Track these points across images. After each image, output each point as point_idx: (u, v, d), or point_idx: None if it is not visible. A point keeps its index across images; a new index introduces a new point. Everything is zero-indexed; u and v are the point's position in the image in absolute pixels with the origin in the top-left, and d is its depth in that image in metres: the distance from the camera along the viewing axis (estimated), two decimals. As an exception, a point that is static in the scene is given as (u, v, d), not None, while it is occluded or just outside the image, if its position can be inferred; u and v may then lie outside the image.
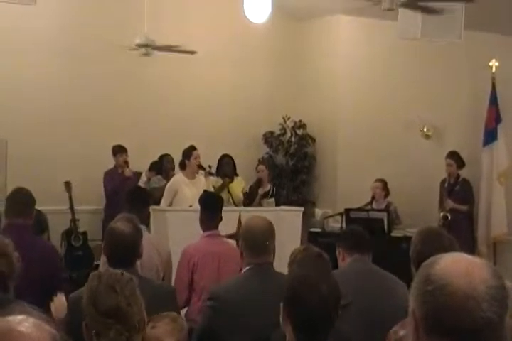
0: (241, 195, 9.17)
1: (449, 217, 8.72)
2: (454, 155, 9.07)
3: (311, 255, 3.45)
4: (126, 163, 9.71)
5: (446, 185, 9.00)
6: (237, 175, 9.50)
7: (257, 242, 3.96)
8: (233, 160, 9.64)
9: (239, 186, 9.29)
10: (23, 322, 1.35)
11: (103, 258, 5.13)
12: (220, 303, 3.83)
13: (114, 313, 2.66)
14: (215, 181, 9.13)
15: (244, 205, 9.10)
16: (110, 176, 9.66)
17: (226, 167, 9.37)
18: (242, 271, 4.04)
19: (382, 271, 4.39)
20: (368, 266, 4.37)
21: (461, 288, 1.52)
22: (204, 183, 8.36)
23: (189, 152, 8.41)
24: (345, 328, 3.39)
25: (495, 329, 1.52)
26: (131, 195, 5.97)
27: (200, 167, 8.46)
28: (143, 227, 5.15)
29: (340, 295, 2.71)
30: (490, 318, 1.51)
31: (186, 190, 7.97)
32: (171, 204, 8.15)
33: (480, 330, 1.51)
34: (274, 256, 4.02)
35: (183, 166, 8.46)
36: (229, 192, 8.97)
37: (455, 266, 1.57)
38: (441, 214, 8.79)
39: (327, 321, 2.61)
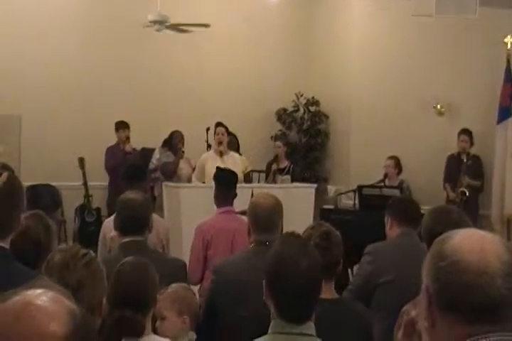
0: (241, 175, 9.09)
1: (467, 193, 8.73)
2: (467, 133, 9.05)
3: (317, 233, 3.43)
4: (127, 138, 9.72)
5: (464, 161, 8.97)
6: (239, 154, 9.43)
7: (262, 219, 3.96)
8: (237, 140, 9.60)
9: (240, 165, 9.21)
10: (41, 296, 1.33)
11: (102, 230, 5.20)
12: (220, 277, 3.88)
13: None
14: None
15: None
16: (112, 152, 9.70)
17: (228, 146, 9.29)
18: (246, 248, 4.07)
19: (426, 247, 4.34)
20: (413, 240, 4.27)
21: (475, 264, 1.52)
22: (237, 160, 8.33)
23: (215, 128, 8.55)
24: (364, 310, 3.41)
25: (509, 305, 1.52)
26: (126, 171, 6.01)
27: (220, 143, 8.39)
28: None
29: (321, 271, 2.68)
30: (504, 294, 1.51)
31: (210, 165, 7.95)
32: (204, 179, 8.14)
33: (494, 306, 1.51)
34: (281, 233, 3.99)
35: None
36: None
37: (468, 242, 1.57)
38: (460, 190, 8.79)
39: (309, 297, 2.59)
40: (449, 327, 1.55)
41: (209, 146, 9.12)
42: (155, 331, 3.16)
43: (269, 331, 2.57)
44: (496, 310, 1.51)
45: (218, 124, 8.65)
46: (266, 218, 3.98)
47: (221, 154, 8.27)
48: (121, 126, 9.73)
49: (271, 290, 2.60)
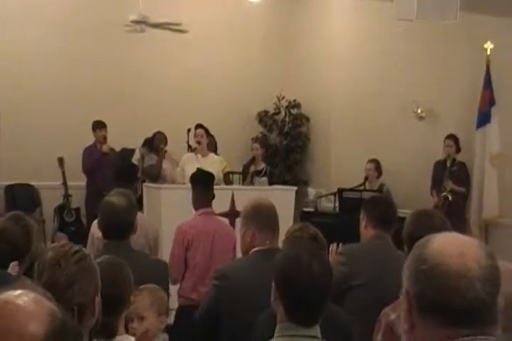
0: (220, 175, 9.07)
1: (450, 198, 8.75)
2: (453, 138, 9.07)
3: (306, 235, 3.45)
4: (104, 138, 9.68)
5: (448, 165, 9.01)
6: (217, 154, 9.40)
7: (271, 219, 4.00)
8: (215, 140, 9.59)
9: (218, 166, 9.18)
10: (22, 296, 1.33)
11: (91, 232, 5.17)
12: (225, 283, 3.85)
13: (51, 287, 2.34)
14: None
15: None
16: (89, 152, 9.64)
17: (208, 147, 9.27)
18: (250, 252, 4.01)
19: (399, 251, 4.24)
20: (387, 245, 4.25)
21: (455, 268, 1.53)
22: (216, 161, 8.33)
23: (194, 130, 8.56)
24: (345, 317, 3.40)
25: (488, 309, 1.53)
26: (117, 171, 6.00)
27: (198, 144, 8.38)
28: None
29: (332, 274, 2.69)
30: (483, 298, 1.52)
31: (189, 166, 7.94)
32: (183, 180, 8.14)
33: (473, 310, 1.52)
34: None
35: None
36: None
37: (449, 246, 1.58)
38: (443, 194, 8.82)
39: (319, 301, 2.60)
40: (428, 329, 1.56)
41: (189, 147, 9.11)
42: (128, 331, 3.13)
43: (277, 334, 2.57)
44: (475, 313, 1.52)
45: (198, 126, 8.65)
46: (272, 216, 4.02)
47: (199, 155, 8.28)
48: (98, 125, 9.67)
49: (281, 292, 2.60)
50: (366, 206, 4.44)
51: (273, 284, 2.63)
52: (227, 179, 9.13)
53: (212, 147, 9.36)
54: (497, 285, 1.56)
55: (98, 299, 2.44)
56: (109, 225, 4.02)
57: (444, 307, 1.53)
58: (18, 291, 1.35)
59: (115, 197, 4.09)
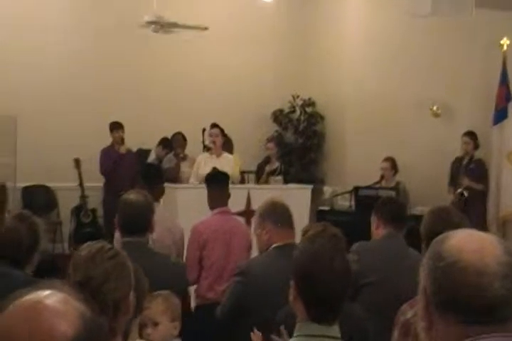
0: (237, 174, 9.07)
1: (465, 194, 8.70)
2: (471, 135, 9.00)
3: (327, 235, 3.45)
4: (122, 139, 9.68)
5: (464, 162, 8.95)
6: (232, 153, 9.41)
7: (286, 215, 4.13)
8: (230, 139, 9.57)
9: (235, 165, 9.19)
10: (51, 296, 1.32)
11: (116, 235, 5.17)
12: (248, 279, 3.90)
13: (86, 283, 2.41)
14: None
15: (242, 184, 9.07)
16: (106, 154, 9.64)
17: (224, 147, 9.27)
18: (270, 249, 4.07)
19: (412, 250, 4.32)
20: (400, 243, 4.30)
21: (473, 265, 1.52)
22: (230, 161, 8.33)
23: (209, 130, 8.55)
24: (362, 313, 3.38)
25: (507, 305, 1.52)
26: (145, 171, 5.99)
27: (214, 144, 8.38)
28: (158, 204, 5.19)
29: (352, 272, 2.67)
30: (502, 295, 1.51)
31: (204, 166, 7.96)
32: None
33: (493, 307, 1.51)
34: None
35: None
36: None
37: (466, 242, 1.56)
38: (458, 190, 8.76)
39: (340, 298, 2.59)
40: (446, 327, 1.54)
41: (205, 147, 9.10)
42: (142, 337, 3.13)
43: (296, 333, 2.54)
44: (494, 310, 1.51)
45: (213, 126, 8.65)
46: (287, 213, 4.15)
47: (215, 155, 8.28)
48: (116, 126, 9.67)
49: (301, 290, 2.57)
50: (377, 207, 4.51)
51: (292, 283, 2.60)
52: (243, 178, 9.15)
53: (229, 147, 9.35)
54: None
55: (132, 296, 2.45)
56: (126, 220, 4.04)
57: (463, 305, 1.51)
58: (47, 291, 1.34)
59: (132, 195, 4.15)
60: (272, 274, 3.77)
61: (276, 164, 9.74)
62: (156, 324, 3.33)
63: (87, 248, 2.58)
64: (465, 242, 1.57)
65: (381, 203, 4.57)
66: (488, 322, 1.51)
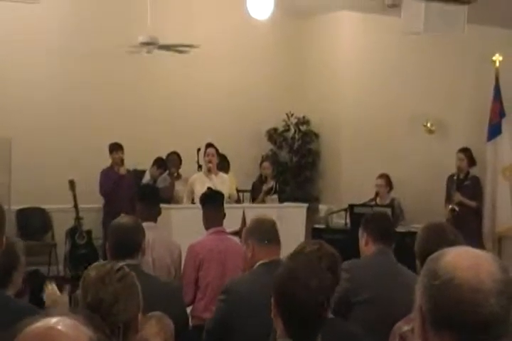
0: (234, 193, 9.08)
1: (457, 210, 8.68)
2: (466, 151, 9.00)
3: (324, 256, 3.43)
4: (121, 161, 9.67)
5: (455, 178, 8.96)
6: (227, 172, 9.42)
7: (271, 233, 4.13)
8: (227, 158, 9.57)
9: (231, 183, 9.22)
10: (61, 322, 1.39)
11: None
12: (231, 297, 3.89)
13: (98, 305, 2.46)
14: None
15: (237, 203, 9.07)
16: (106, 175, 9.63)
17: (220, 167, 9.28)
18: (255, 267, 4.09)
19: (402, 266, 4.29)
20: (390, 260, 4.26)
21: (468, 282, 1.51)
22: (226, 180, 8.32)
23: (205, 149, 8.56)
24: (355, 329, 3.37)
25: (502, 322, 1.51)
26: (141, 192, 5.98)
27: (210, 163, 8.38)
28: (155, 225, 5.18)
29: (330, 290, 2.69)
30: (497, 312, 1.50)
31: (199, 187, 7.95)
32: (193, 202, 8.15)
33: (488, 324, 1.50)
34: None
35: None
36: None
37: (461, 260, 1.56)
38: (450, 206, 8.75)
39: (317, 316, 2.58)
40: None
41: (200, 167, 9.11)
42: None
43: None
44: (489, 327, 1.50)
45: (209, 145, 8.65)
46: (272, 231, 4.15)
47: (210, 174, 8.27)
48: (115, 147, 9.66)
49: (280, 309, 2.58)
50: (365, 223, 4.45)
51: (272, 300, 2.61)
52: (239, 197, 9.15)
53: (225, 166, 9.36)
54: (511, 299, 1.53)
55: (141, 318, 2.50)
56: (116, 244, 4.02)
57: (459, 322, 1.51)
58: (56, 318, 1.41)
59: (122, 219, 4.16)
60: (257, 291, 3.75)
61: (271, 183, 9.74)
62: None
63: (96, 269, 2.62)
64: (460, 259, 1.56)
65: (369, 219, 4.51)
66: (484, 339, 1.51)
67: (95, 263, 2.77)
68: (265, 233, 4.13)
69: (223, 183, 8.13)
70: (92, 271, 2.59)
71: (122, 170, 9.62)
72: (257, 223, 4.23)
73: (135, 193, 6.27)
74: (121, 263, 3.87)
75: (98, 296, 2.47)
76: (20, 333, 1.36)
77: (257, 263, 4.06)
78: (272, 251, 4.06)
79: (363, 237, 4.36)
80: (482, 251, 1.62)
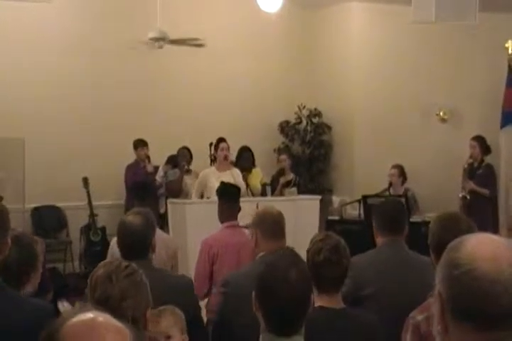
0: (259, 186, 9.14)
1: (468, 198, 8.64)
2: (478, 139, 8.93)
3: (327, 246, 3.41)
4: (147, 157, 9.70)
5: (465, 166, 8.91)
6: (255, 166, 9.45)
7: (271, 225, 4.12)
8: (252, 152, 9.58)
9: (257, 177, 9.25)
10: (99, 314, 1.46)
11: (110, 253, 5.17)
12: (230, 289, 3.92)
13: (105, 302, 2.47)
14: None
15: (263, 196, 9.09)
16: (132, 170, 9.65)
17: (245, 161, 9.31)
18: (256, 258, 4.14)
19: (415, 255, 4.20)
20: (398, 251, 4.15)
21: (488, 273, 1.50)
22: (239, 175, 8.34)
23: (217, 144, 8.51)
24: (369, 318, 3.36)
25: None
26: (136, 190, 6.00)
27: (226, 158, 8.41)
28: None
29: (311, 284, 2.66)
30: None
31: (213, 181, 7.94)
32: (202, 197, 8.15)
33: (507, 316, 1.49)
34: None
35: (215, 159, 8.50)
36: (247, 184, 8.90)
37: (481, 249, 1.54)
38: (460, 195, 8.72)
39: (297, 310, 2.56)
40: (461, 334, 1.53)
41: (213, 161, 9.10)
42: None
43: None
44: (508, 318, 1.49)
45: (221, 140, 8.60)
46: (276, 223, 4.13)
47: (224, 169, 8.27)
48: (140, 144, 9.72)
49: (260, 303, 2.58)
50: (374, 213, 4.41)
51: (253, 293, 2.61)
52: (264, 190, 9.18)
53: (250, 159, 9.37)
54: None
55: (149, 313, 2.51)
56: (125, 245, 3.99)
57: (479, 313, 1.50)
58: (91, 312, 1.47)
59: (131, 217, 4.08)
60: (251, 284, 3.78)
61: (291, 175, 9.75)
62: (168, 337, 3.31)
63: (103, 267, 2.63)
64: (480, 249, 1.55)
65: (376, 209, 4.45)
66: (504, 330, 1.49)
67: (103, 261, 2.78)
68: (269, 227, 4.13)
69: (236, 177, 8.13)
70: (100, 269, 2.60)
71: (149, 168, 9.65)
72: (263, 216, 4.22)
73: (130, 189, 6.29)
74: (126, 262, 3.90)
75: (106, 293, 2.48)
76: (62, 328, 1.39)
77: (258, 255, 4.10)
78: (275, 245, 4.04)
79: (374, 227, 4.30)
80: (502, 239, 1.61)
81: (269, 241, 4.06)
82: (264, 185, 9.33)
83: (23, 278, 3.39)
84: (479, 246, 1.55)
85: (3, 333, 2.48)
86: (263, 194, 9.13)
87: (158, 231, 5.02)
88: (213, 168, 8.43)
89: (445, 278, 1.56)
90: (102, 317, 1.44)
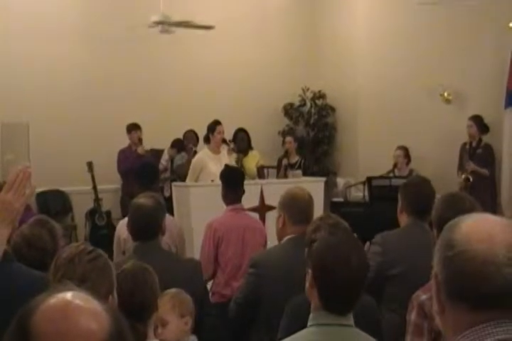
0: (254, 169, 9.12)
1: (471, 179, 8.65)
2: (475, 118, 8.96)
3: (324, 225, 3.41)
4: (140, 140, 9.69)
5: (467, 147, 8.93)
6: (251, 148, 9.44)
7: (301, 209, 4.07)
8: (248, 135, 9.56)
9: (253, 160, 9.23)
10: (76, 296, 1.37)
11: (116, 235, 5.21)
12: (262, 270, 3.92)
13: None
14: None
15: (260, 178, 9.09)
16: (124, 154, 9.68)
17: (240, 143, 9.30)
18: (283, 241, 4.09)
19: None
20: (424, 232, 4.03)
21: (481, 254, 1.50)
22: (227, 158, 8.34)
23: (213, 126, 8.42)
24: (374, 306, 3.39)
25: None
26: (138, 172, 6.01)
27: (224, 141, 8.44)
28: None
29: (369, 267, 2.70)
30: (510, 282, 1.48)
31: (211, 165, 7.96)
32: (197, 180, 8.15)
33: (503, 295, 1.49)
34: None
35: (207, 140, 8.46)
36: (242, 166, 8.86)
37: (476, 230, 1.54)
38: (463, 176, 8.72)
39: (355, 291, 2.61)
40: (457, 314, 1.54)
41: (224, 141, 8.96)
42: (157, 337, 3.14)
43: (311, 323, 2.58)
44: (505, 298, 1.49)
45: (218, 123, 8.53)
46: (306, 208, 4.10)
47: (219, 152, 8.28)
48: (133, 128, 9.72)
49: (318, 282, 2.59)
50: (402, 190, 4.24)
51: (309, 271, 2.62)
52: (261, 173, 9.15)
53: (246, 141, 9.37)
54: None
55: (112, 299, 2.47)
56: (137, 227, 4.04)
57: (471, 293, 1.50)
58: (69, 292, 1.38)
59: (143, 199, 4.13)
60: (284, 265, 3.80)
61: (296, 158, 9.76)
62: (165, 323, 3.32)
63: (68, 249, 2.65)
64: (475, 230, 1.54)
65: (406, 186, 4.27)
66: (498, 310, 1.50)
67: (71, 244, 2.81)
68: (298, 212, 4.06)
69: (230, 160, 8.19)
70: (65, 252, 2.63)
71: (140, 150, 9.65)
72: (293, 199, 4.14)
73: (134, 172, 6.29)
74: (140, 243, 3.92)
75: (66, 275, 2.50)
76: (37, 311, 1.32)
77: (286, 238, 4.05)
78: (303, 228, 3.93)
79: (399, 204, 4.19)
80: (501, 219, 1.60)
81: (297, 225, 4.01)
82: (261, 168, 9.29)
83: (48, 262, 3.46)
84: (474, 227, 1.55)
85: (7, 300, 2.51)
86: (261, 177, 9.11)
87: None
88: (207, 152, 8.38)
89: (440, 258, 1.56)
90: (79, 299, 1.36)
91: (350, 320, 2.58)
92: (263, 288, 3.88)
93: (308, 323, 2.58)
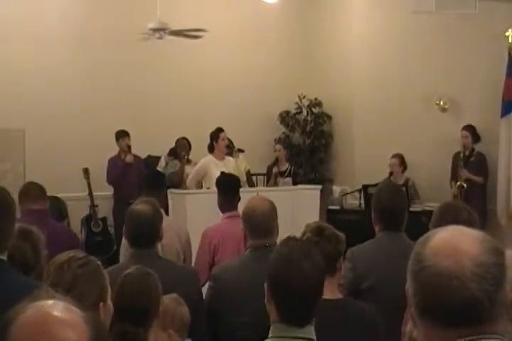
0: (244, 176, 9.10)
1: (465, 186, 8.69)
2: (469, 128, 9.04)
3: (309, 230, 3.41)
4: (128, 147, 9.64)
5: (461, 156, 8.99)
6: (240, 152, 9.45)
7: (258, 224, 3.94)
8: (229, 139, 9.58)
9: (241, 164, 9.24)
10: (55, 306, 1.35)
11: (124, 241, 5.17)
12: (218, 284, 3.89)
13: (55, 291, 2.48)
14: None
15: (249, 184, 9.10)
16: (113, 162, 9.62)
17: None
18: (244, 253, 4.08)
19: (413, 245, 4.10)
20: (397, 241, 3.96)
21: (446, 269, 1.49)
22: (234, 164, 8.35)
23: (216, 134, 8.48)
24: (373, 314, 3.33)
25: (485, 307, 1.49)
26: (147, 179, 5.99)
27: (228, 147, 8.45)
28: (161, 210, 5.17)
29: (324, 275, 2.65)
30: (477, 297, 1.48)
31: (215, 170, 7.94)
32: (199, 185, 8.15)
33: (467, 310, 1.48)
34: (277, 236, 3.97)
35: (211, 149, 8.47)
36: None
37: (444, 245, 1.53)
38: (458, 183, 8.76)
39: (310, 301, 2.56)
40: (427, 329, 1.55)
41: (228, 147, 8.99)
42: None
43: (271, 335, 2.54)
44: (470, 313, 1.49)
45: (221, 130, 8.59)
46: (263, 223, 3.95)
47: (223, 158, 8.28)
48: (122, 134, 9.64)
49: (273, 293, 2.56)
50: (372, 200, 4.18)
51: (265, 284, 2.60)
52: (249, 178, 9.16)
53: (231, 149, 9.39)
54: (496, 282, 1.50)
55: (104, 306, 2.46)
56: (134, 234, 4.02)
57: (438, 308, 1.51)
58: (49, 301, 1.36)
59: (140, 206, 4.10)
60: (239, 279, 3.77)
61: (286, 165, 9.76)
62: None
63: (60, 256, 2.66)
64: (442, 245, 1.54)
65: (374, 197, 4.16)
66: (465, 325, 1.49)
67: (63, 252, 2.78)
68: (256, 227, 3.95)
69: (235, 167, 8.18)
70: (57, 258, 2.65)
71: (128, 159, 9.55)
72: (252, 213, 4.01)
73: (141, 180, 6.29)
74: (137, 249, 3.91)
75: (56, 280, 2.51)
76: (15, 322, 1.31)
77: (247, 249, 4.00)
78: (262, 242, 3.90)
79: (372, 216, 4.12)
80: (473, 232, 1.58)
81: (256, 239, 3.93)
82: (249, 173, 9.29)
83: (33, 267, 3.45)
84: (442, 242, 1.54)
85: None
86: (249, 181, 9.12)
87: (168, 220, 5.03)
88: (212, 157, 8.41)
89: (409, 272, 1.57)
90: (58, 310, 1.34)
91: (308, 332, 2.51)
92: (220, 301, 3.84)
93: (269, 335, 2.54)
